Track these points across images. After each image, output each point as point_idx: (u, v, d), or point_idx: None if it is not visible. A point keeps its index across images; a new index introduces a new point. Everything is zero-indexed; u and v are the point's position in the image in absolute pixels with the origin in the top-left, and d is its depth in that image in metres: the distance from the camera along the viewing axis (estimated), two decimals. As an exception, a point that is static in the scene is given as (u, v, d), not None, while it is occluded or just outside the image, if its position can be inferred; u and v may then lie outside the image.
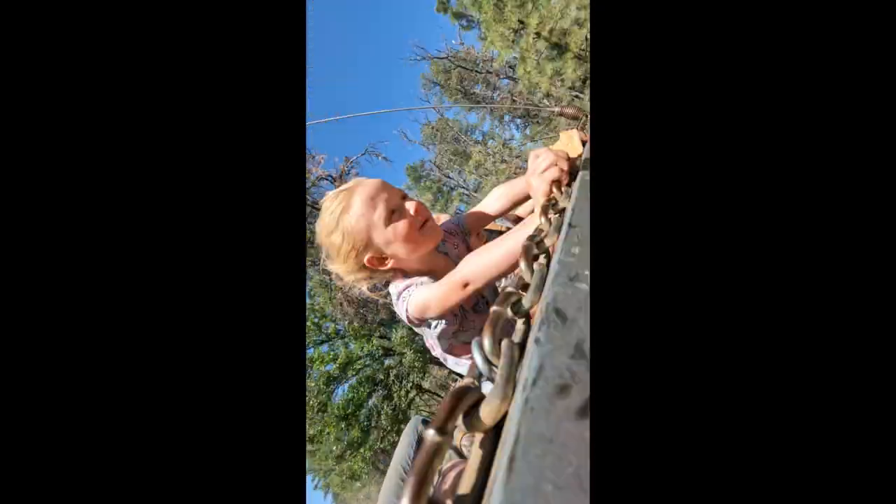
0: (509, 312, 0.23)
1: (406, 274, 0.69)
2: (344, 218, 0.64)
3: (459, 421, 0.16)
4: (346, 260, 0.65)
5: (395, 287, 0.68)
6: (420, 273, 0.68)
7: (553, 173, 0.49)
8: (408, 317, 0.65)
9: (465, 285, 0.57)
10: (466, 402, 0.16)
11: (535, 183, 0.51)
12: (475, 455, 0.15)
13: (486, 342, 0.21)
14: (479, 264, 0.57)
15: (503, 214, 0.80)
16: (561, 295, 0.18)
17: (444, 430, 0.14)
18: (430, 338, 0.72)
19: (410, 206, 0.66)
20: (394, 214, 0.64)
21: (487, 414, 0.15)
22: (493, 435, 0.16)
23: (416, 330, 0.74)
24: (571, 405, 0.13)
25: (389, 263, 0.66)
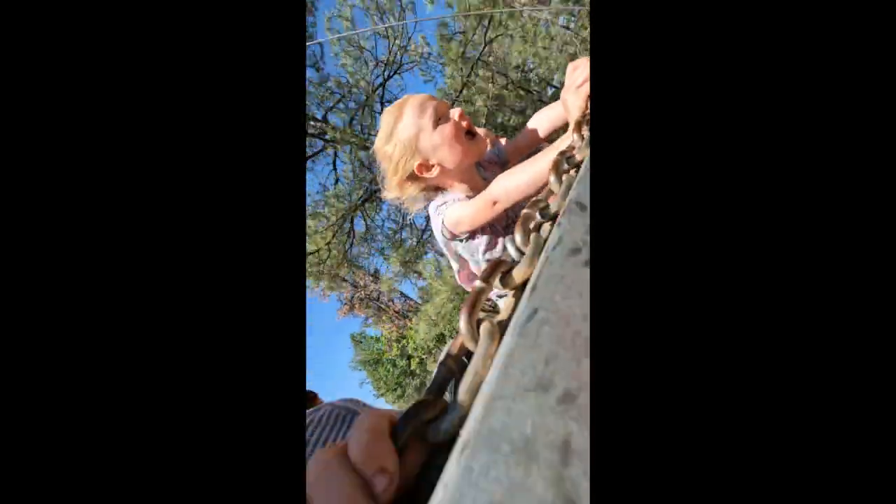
0: (538, 215, 0.28)
1: (446, 190, 0.75)
2: (397, 127, 0.71)
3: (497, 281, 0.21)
4: (397, 171, 0.72)
5: (433, 204, 0.75)
6: (460, 189, 0.74)
7: (589, 88, 0.50)
8: (441, 231, 0.72)
9: (495, 203, 0.63)
10: (502, 267, 0.21)
11: (571, 99, 0.53)
12: (508, 303, 0.21)
13: (518, 236, 0.26)
14: (508, 184, 0.61)
15: (544, 141, 0.81)
16: (584, 192, 0.22)
17: (488, 281, 0.20)
18: (463, 252, 0.79)
19: (455, 113, 0.71)
20: (441, 120, 0.70)
21: (518, 275, 0.21)
22: (520, 291, 0.21)
23: (446, 252, 0.81)
24: (579, 260, 0.18)
25: (435, 172, 0.72)
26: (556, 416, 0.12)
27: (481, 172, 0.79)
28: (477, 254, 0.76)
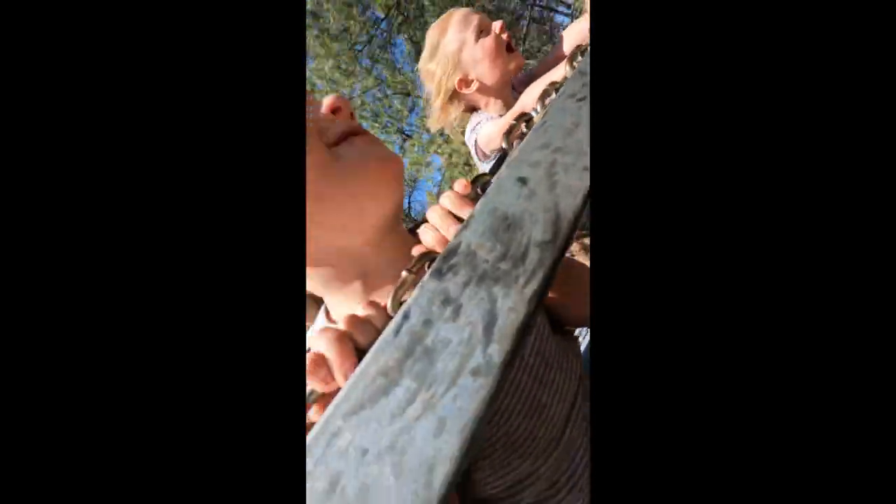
0: (554, 93, 0.38)
1: (481, 110, 0.82)
2: (442, 41, 0.78)
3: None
4: (440, 90, 0.80)
5: (469, 126, 0.84)
6: (494, 107, 0.80)
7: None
8: (476, 151, 0.82)
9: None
10: (525, 116, 0.33)
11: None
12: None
13: (539, 105, 0.37)
14: (535, 94, 0.67)
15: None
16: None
17: (518, 120, 0.32)
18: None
19: (497, 26, 0.78)
20: (483, 33, 0.78)
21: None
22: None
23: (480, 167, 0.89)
24: (575, 98, 0.29)
25: (474, 87, 0.78)
26: (549, 154, 0.24)
27: (515, 95, 0.85)
28: None
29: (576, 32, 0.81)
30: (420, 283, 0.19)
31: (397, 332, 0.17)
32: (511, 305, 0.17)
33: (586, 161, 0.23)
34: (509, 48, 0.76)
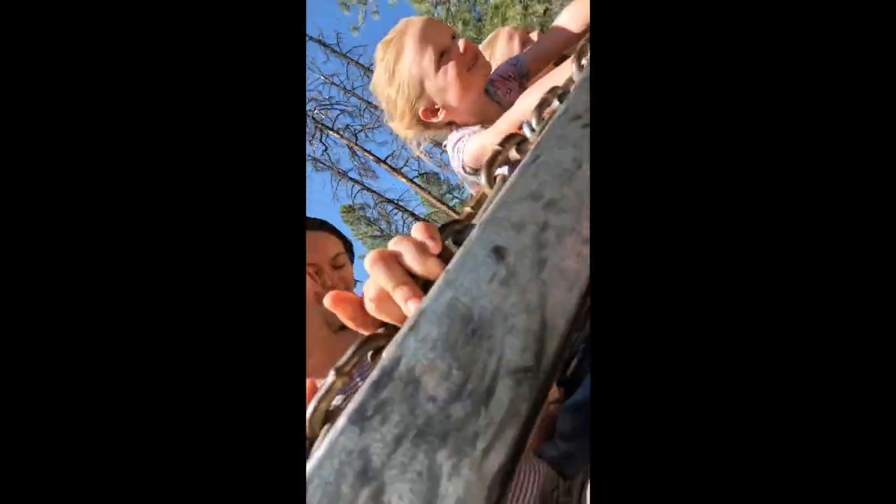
0: (555, 101, 0.31)
1: (459, 127, 0.72)
2: (398, 67, 0.67)
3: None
4: (403, 116, 0.70)
5: (449, 142, 0.72)
6: (472, 124, 0.70)
7: None
8: (463, 167, 0.70)
9: (521, 127, 0.59)
10: (517, 138, 0.26)
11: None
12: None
13: (534, 120, 0.30)
14: (534, 103, 0.58)
15: (576, 39, 0.71)
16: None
17: (503, 145, 0.25)
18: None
19: (460, 45, 0.67)
20: (443, 57, 0.66)
21: (532, 140, 0.26)
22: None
23: (472, 191, 0.79)
24: (580, 122, 0.22)
25: (442, 115, 0.69)
26: (539, 211, 0.18)
27: (492, 93, 0.74)
28: None
29: (572, 13, 0.67)
30: (332, 431, 0.13)
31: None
32: (461, 493, 0.11)
33: (587, 226, 0.17)
34: (474, 61, 0.65)
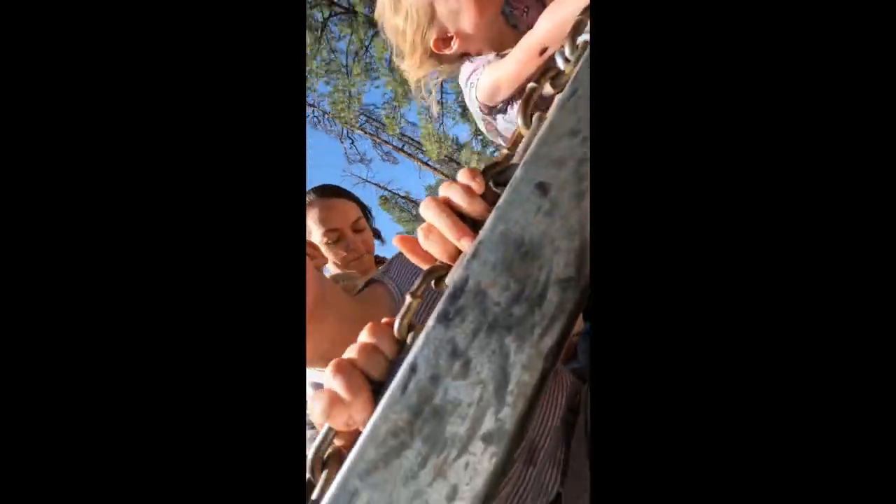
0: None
1: (473, 58, 0.64)
2: None
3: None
4: (414, 49, 0.62)
5: (462, 76, 0.64)
6: (487, 51, 0.62)
7: None
8: (479, 105, 0.63)
9: (544, 51, 0.50)
10: (551, 72, 0.27)
11: None
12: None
13: (567, 48, 0.30)
14: (558, 21, 0.48)
15: None
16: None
17: (539, 81, 0.27)
18: (510, 126, 0.67)
19: None
20: None
21: (567, 72, 0.27)
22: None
23: (487, 133, 0.70)
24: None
25: (455, 45, 0.61)
26: (577, 145, 0.20)
27: (509, 15, 0.65)
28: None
29: None
30: (425, 330, 0.17)
31: (404, 387, 0.16)
32: (525, 362, 0.16)
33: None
34: None
